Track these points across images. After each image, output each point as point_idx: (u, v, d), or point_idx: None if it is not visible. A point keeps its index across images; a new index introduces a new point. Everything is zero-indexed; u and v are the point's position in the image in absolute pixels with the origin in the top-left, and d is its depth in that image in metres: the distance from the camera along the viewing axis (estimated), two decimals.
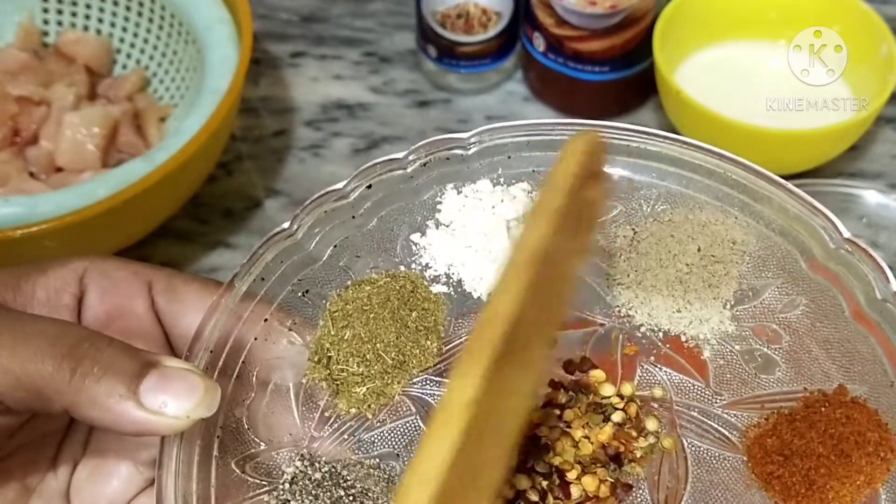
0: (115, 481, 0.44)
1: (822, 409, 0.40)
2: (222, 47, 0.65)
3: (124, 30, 0.73)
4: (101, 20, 0.73)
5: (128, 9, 0.72)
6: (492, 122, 0.71)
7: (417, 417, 0.42)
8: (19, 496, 0.43)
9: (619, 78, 0.68)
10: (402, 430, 0.42)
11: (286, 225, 0.44)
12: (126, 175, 0.58)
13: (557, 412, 0.41)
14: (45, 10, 0.74)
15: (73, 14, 0.74)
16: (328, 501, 0.39)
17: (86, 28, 0.74)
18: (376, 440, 0.41)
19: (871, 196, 0.63)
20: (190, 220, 0.68)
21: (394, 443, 0.41)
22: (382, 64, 0.78)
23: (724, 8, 0.67)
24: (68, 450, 0.44)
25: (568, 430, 0.40)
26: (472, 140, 0.46)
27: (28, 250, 0.57)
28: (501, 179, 0.46)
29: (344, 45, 0.79)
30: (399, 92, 0.76)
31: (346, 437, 0.41)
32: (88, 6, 0.73)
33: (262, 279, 0.43)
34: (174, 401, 0.37)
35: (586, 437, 0.40)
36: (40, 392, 0.37)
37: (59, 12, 0.74)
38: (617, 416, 0.41)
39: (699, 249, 0.43)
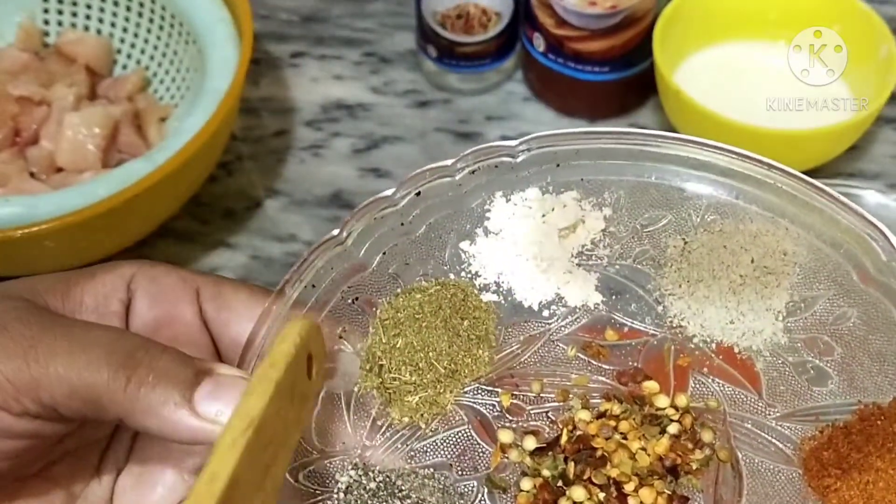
0: (160, 489, 0.43)
1: (879, 422, 0.40)
2: (223, 47, 0.65)
3: (125, 30, 0.73)
4: (101, 20, 0.73)
5: (128, 9, 0.72)
6: (491, 122, 0.71)
7: (469, 427, 0.42)
8: (65, 503, 0.42)
9: (618, 78, 0.68)
10: (454, 439, 0.41)
11: (335, 232, 0.43)
12: (126, 175, 0.57)
13: (613, 424, 0.40)
14: (46, 11, 0.74)
15: (74, 14, 0.73)
16: None
17: (86, 28, 0.73)
18: (429, 449, 0.41)
19: (871, 196, 0.63)
20: (190, 220, 0.68)
21: (447, 452, 0.41)
22: (382, 64, 0.77)
23: (723, 8, 0.67)
24: (112, 457, 0.43)
25: (624, 441, 0.40)
26: (521, 148, 0.46)
27: (28, 250, 0.56)
28: (550, 188, 0.46)
29: (344, 46, 0.79)
30: (399, 92, 0.75)
31: (398, 445, 0.41)
32: (89, 6, 0.73)
33: (313, 286, 0.42)
34: (229, 409, 0.36)
35: (643, 448, 0.40)
36: (95, 401, 0.36)
37: (60, 12, 0.74)
38: (673, 428, 0.40)
39: (752, 261, 0.43)
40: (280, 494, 0.36)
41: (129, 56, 0.73)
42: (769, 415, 0.42)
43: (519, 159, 0.46)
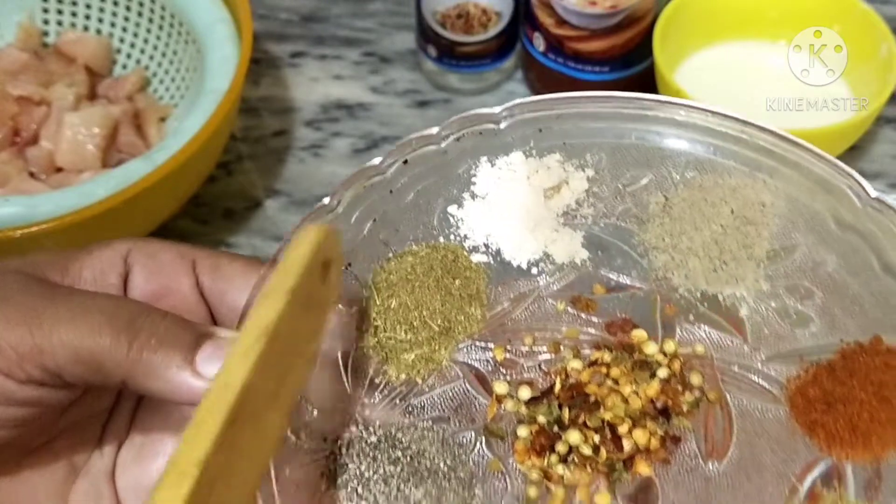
0: (162, 458, 0.44)
1: (861, 358, 0.41)
2: (222, 47, 0.65)
3: (124, 30, 0.73)
4: (101, 20, 0.74)
5: (128, 9, 0.73)
6: None
7: (465, 381, 0.43)
8: (67, 476, 0.43)
9: (619, 78, 0.69)
10: (451, 394, 0.42)
11: (326, 201, 0.44)
12: (126, 175, 0.57)
13: (604, 371, 0.41)
14: (45, 10, 0.74)
15: (73, 14, 0.74)
16: (386, 462, 0.39)
17: (86, 28, 0.74)
18: (426, 404, 0.42)
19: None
20: (190, 220, 0.69)
21: (444, 406, 0.42)
22: (382, 64, 0.78)
23: (723, 8, 0.68)
24: (113, 430, 0.44)
25: (616, 386, 0.41)
26: (504, 114, 0.47)
27: (28, 250, 0.56)
28: (534, 151, 0.47)
29: (344, 45, 0.80)
30: (399, 92, 0.76)
31: (397, 402, 0.42)
32: (88, 6, 0.74)
33: None
34: None
35: (634, 392, 0.41)
36: (99, 365, 0.37)
37: (59, 12, 0.74)
38: (662, 372, 0.41)
39: (732, 212, 0.45)
40: (284, 443, 0.37)
41: (128, 56, 0.73)
42: (755, 358, 0.43)
43: (502, 125, 0.47)
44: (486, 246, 0.45)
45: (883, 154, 0.71)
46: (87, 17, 0.74)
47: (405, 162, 0.46)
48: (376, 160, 0.46)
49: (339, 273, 0.38)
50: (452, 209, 0.46)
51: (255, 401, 0.31)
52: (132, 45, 0.73)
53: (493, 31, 0.70)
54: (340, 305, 0.43)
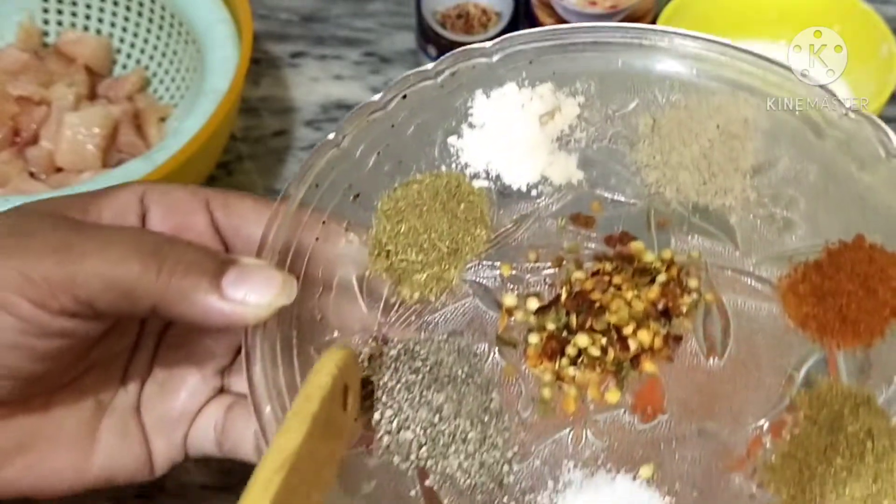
0: (184, 393, 0.46)
1: (846, 254, 0.44)
2: (222, 47, 0.66)
3: (124, 30, 0.74)
4: (101, 20, 0.74)
5: (128, 9, 0.73)
6: None
7: (475, 298, 0.45)
8: (95, 412, 0.45)
9: None
10: (462, 310, 0.45)
11: (331, 136, 0.46)
12: (126, 175, 0.58)
13: (607, 279, 0.44)
14: (46, 11, 0.74)
15: (74, 14, 0.74)
16: (407, 372, 0.41)
17: (86, 28, 0.74)
18: (440, 321, 0.44)
19: None
20: None
21: (456, 322, 0.44)
22: (382, 64, 0.79)
23: (723, 8, 0.69)
24: (136, 367, 0.46)
25: (619, 292, 0.43)
26: (495, 48, 0.49)
27: None
28: (526, 82, 0.49)
29: (344, 46, 0.80)
30: None
31: (412, 319, 0.44)
32: (88, 6, 0.74)
33: (316, 186, 0.45)
34: (255, 292, 0.39)
35: (636, 297, 0.43)
36: (129, 292, 0.39)
37: (60, 12, 0.74)
38: (661, 277, 0.44)
39: (718, 127, 0.47)
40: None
41: (128, 56, 0.74)
42: (746, 262, 0.45)
43: (494, 59, 0.49)
44: (487, 172, 0.48)
45: None
46: (88, 18, 0.74)
47: (404, 97, 0.48)
48: (376, 96, 0.47)
49: (357, 398, 0.39)
50: (452, 140, 0.48)
51: None
52: (132, 46, 0.74)
53: (492, 30, 0.71)
54: (352, 234, 0.45)
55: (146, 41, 0.73)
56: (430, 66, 0.48)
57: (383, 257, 0.45)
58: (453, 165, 0.48)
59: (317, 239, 0.44)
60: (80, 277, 0.38)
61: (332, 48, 0.80)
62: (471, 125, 0.48)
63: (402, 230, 0.45)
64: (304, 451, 0.33)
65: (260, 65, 0.78)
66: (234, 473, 0.62)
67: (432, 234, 0.45)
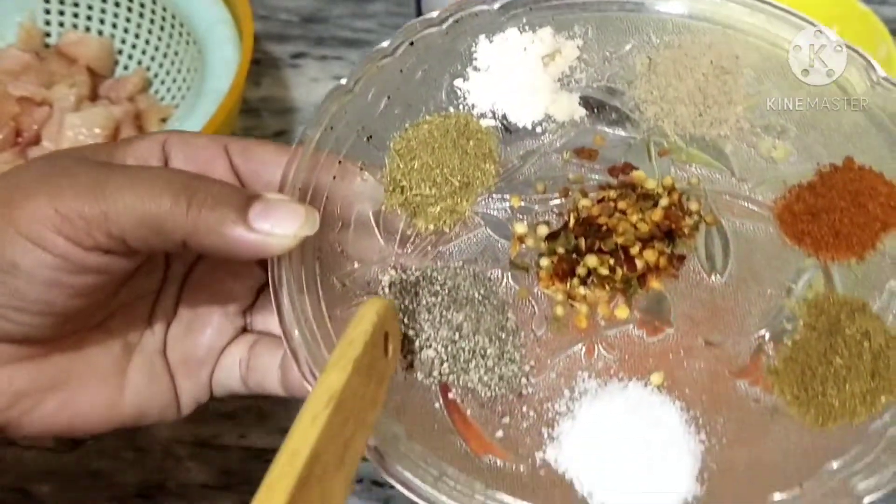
0: (209, 330, 0.48)
1: (836, 175, 0.47)
2: (223, 48, 0.67)
3: (125, 31, 0.75)
4: (102, 21, 0.75)
5: (129, 10, 0.74)
6: None
7: (487, 228, 0.47)
8: (123, 352, 0.47)
9: None
10: (475, 239, 0.47)
11: (343, 81, 0.48)
12: None
13: (612, 204, 0.46)
14: (47, 11, 0.75)
15: (75, 15, 0.75)
16: (427, 295, 0.44)
17: (87, 29, 0.75)
18: (454, 251, 0.46)
19: None
20: None
21: (470, 251, 0.47)
22: None
23: None
24: (161, 309, 0.48)
25: (624, 216, 0.46)
26: None
27: None
28: (526, 27, 0.52)
29: (344, 46, 0.81)
30: None
31: (428, 249, 0.46)
32: (90, 7, 0.75)
33: (331, 128, 0.47)
34: (280, 223, 0.41)
35: (641, 219, 0.45)
36: (161, 226, 0.40)
37: (61, 13, 0.75)
38: (664, 201, 0.46)
39: (711, 62, 0.49)
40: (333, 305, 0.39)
41: (130, 57, 0.75)
42: (742, 188, 0.48)
43: (496, 6, 0.51)
44: (493, 112, 0.50)
45: None
46: (89, 18, 0.75)
47: (411, 44, 0.50)
48: (385, 43, 0.50)
49: (398, 345, 0.40)
50: (458, 83, 0.50)
51: (322, 466, 0.32)
52: (133, 46, 0.75)
53: None
54: (367, 173, 0.47)
55: (147, 42, 0.74)
56: (434, 14, 0.51)
57: (398, 193, 0.47)
58: (460, 107, 0.50)
59: (334, 178, 0.46)
60: (112, 213, 0.40)
61: (332, 49, 0.81)
62: (475, 68, 0.51)
63: (416, 167, 0.47)
64: (349, 390, 0.34)
65: (260, 65, 0.79)
66: (235, 473, 0.65)
67: (444, 170, 0.47)
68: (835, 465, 0.40)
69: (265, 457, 0.66)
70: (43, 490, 0.66)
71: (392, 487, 0.53)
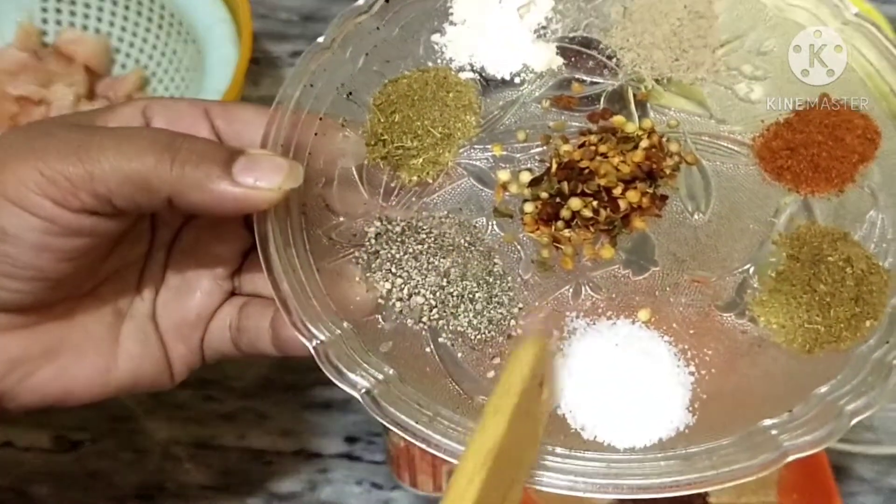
0: (199, 294, 0.48)
1: (813, 111, 0.47)
2: (222, 47, 0.67)
3: (123, 29, 0.74)
4: (100, 20, 0.75)
5: (127, 8, 0.74)
6: None
7: (471, 178, 0.47)
8: (114, 319, 0.47)
9: None
10: (458, 189, 0.47)
11: (321, 39, 0.49)
12: None
13: (594, 148, 0.46)
14: (45, 10, 0.75)
15: (73, 14, 0.75)
16: (413, 243, 0.44)
17: (85, 28, 0.75)
18: (438, 201, 0.47)
19: None
20: None
21: (454, 201, 0.47)
22: None
23: None
24: (149, 276, 0.48)
25: (605, 159, 0.46)
26: None
27: None
28: None
29: None
30: None
31: (412, 200, 0.46)
32: (87, 6, 0.74)
33: (311, 86, 0.47)
34: (264, 176, 0.41)
35: (623, 161, 0.46)
36: (146, 184, 0.41)
37: (59, 12, 0.75)
38: (644, 143, 0.47)
39: (685, 7, 0.50)
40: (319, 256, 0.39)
41: (127, 55, 0.75)
42: (721, 128, 0.48)
43: None
44: (471, 65, 0.50)
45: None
46: (87, 17, 0.75)
47: (387, 1, 0.50)
48: (361, 1, 0.50)
49: (551, 387, 0.39)
50: (436, 37, 0.51)
51: None
52: (131, 45, 0.74)
53: None
54: (348, 129, 0.48)
55: (145, 40, 0.74)
56: None
57: (380, 146, 0.47)
58: (439, 61, 0.50)
59: (315, 134, 0.47)
60: (98, 173, 0.40)
61: None
62: (452, 23, 0.51)
63: (396, 120, 0.47)
64: (506, 442, 0.33)
65: (260, 64, 0.79)
66: (234, 474, 0.65)
67: (425, 122, 0.47)
68: (823, 389, 0.40)
69: (264, 458, 0.66)
70: (42, 491, 0.66)
71: (393, 489, 0.55)
